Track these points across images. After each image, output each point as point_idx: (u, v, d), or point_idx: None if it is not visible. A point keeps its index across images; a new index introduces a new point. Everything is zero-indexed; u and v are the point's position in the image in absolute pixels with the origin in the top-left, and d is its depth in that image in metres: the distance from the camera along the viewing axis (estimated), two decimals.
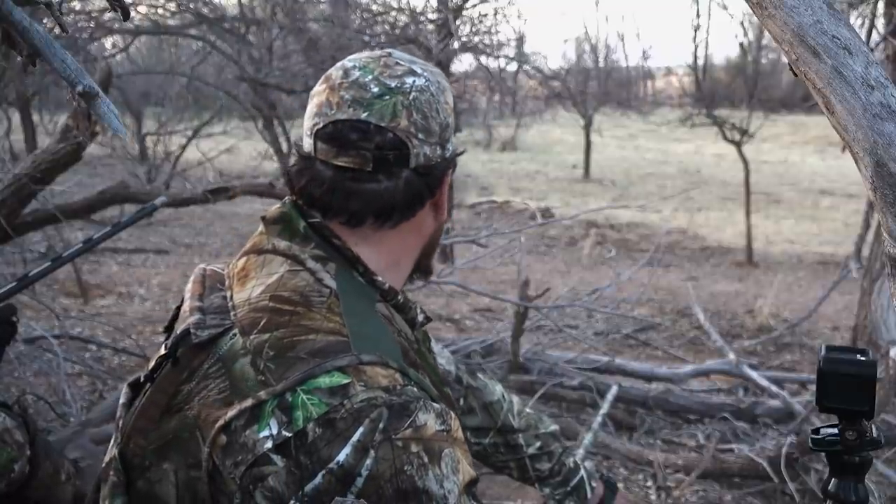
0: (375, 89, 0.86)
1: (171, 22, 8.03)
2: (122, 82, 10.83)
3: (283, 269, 0.86)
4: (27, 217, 3.16)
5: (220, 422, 0.75)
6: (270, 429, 0.73)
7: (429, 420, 0.74)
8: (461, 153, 0.96)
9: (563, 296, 4.84)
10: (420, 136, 0.87)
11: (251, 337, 0.79)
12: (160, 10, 7.57)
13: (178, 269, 6.90)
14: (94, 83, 0.89)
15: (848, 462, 0.82)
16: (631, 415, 3.66)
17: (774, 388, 3.62)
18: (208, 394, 0.78)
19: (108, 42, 8.32)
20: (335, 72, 0.89)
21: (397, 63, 0.89)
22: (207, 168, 9.65)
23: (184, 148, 10.33)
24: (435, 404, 0.77)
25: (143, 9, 7.04)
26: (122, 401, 0.87)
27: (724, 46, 39.06)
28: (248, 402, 0.75)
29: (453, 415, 0.79)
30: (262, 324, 0.80)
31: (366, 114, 0.85)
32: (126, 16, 0.93)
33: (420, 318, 0.94)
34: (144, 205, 1.50)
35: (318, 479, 0.71)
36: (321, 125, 0.86)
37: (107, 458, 0.85)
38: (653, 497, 3.01)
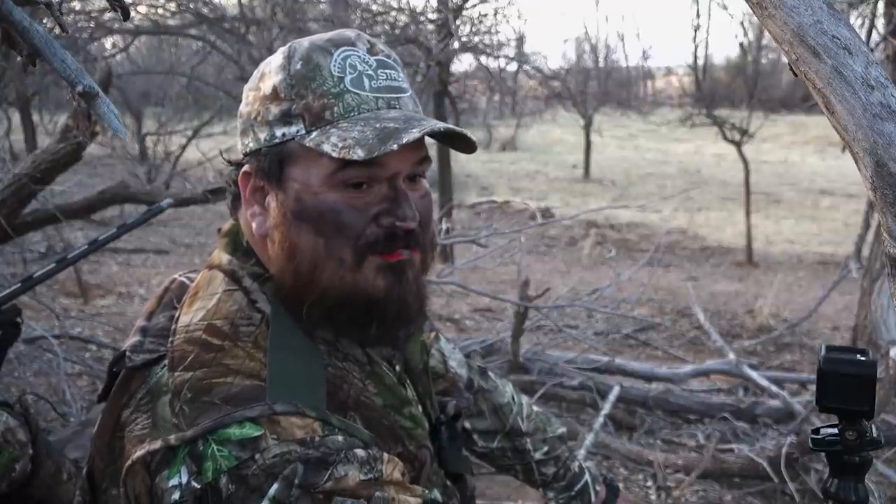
0: None
1: (171, 22, 8.02)
2: (122, 82, 10.84)
3: (221, 289, 0.83)
4: (27, 217, 3.16)
5: (129, 461, 0.74)
6: (180, 477, 0.71)
7: (350, 471, 0.71)
8: (287, 156, 0.79)
9: (563, 296, 4.83)
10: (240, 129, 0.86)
11: (176, 374, 0.77)
12: (160, 10, 7.57)
13: (178, 269, 6.86)
14: (94, 83, 0.89)
15: (848, 462, 0.82)
16: (631, 415, 3.66)
17: (774, 388, 3.62)
18: (135, 427, 0.77)
19: (108, 42, 8.32)
20: None
21: None
22: (207, 168, 9.63)
23: (184, 148, 10.33)
24: (360, 452, 0.73)
25: (143, 9, 7.04)
26: (99, 419, 0.86)
27: (724, 46, 39.12)
28: (157, 445, 0.73)
29: (386, 457, 0.76)
30: (189, 360, 0.77)
31: None
32: (126, 16, 0.93)
33: None
34: (151, 206, 1.48)
35: None
36: None
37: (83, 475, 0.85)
38: (653, 497, 3.01)
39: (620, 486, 1.26)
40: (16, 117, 9.92)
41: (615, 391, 3.52)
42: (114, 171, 10.09)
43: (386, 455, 0.76)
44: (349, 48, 0.80)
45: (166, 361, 0.79)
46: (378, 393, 0.85)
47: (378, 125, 0.76)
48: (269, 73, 0.81)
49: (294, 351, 0.79)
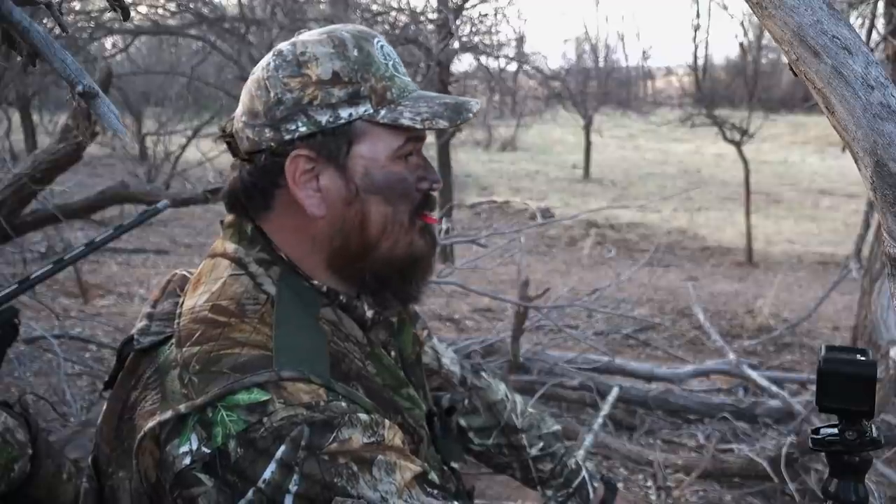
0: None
1: (171, 22, 8.03)
2: (122, 82, 10.83)
3: (227, 273, 0.85)
4: (27, 217, 3.16)
5: (141, 433, 0.76)
6: (190, 444, 0.73)
7: (354, 434, 0.74)
8: (354, 134, 0.84)
9: (563, 296, 4.83)
10: (243, 119, 0.86)
11: (184, 349, 0.79)
12: (160, 10, 7.57)
13: (177, 269, 6.89)
14: (94, 83, 0.89)
15: (848, 462, 0.82)
16: (631, 415, 3.66)
17: (774, 388, 3.62)
18: (145, 404, 0.79)
19: (108, 42, 8.32)
20: None
21: (285, 43, 0.88)
22: (207, 168, 9.65)
23: (184, 148, 10.33)
24: (363, 416, 0.76)
25: (143, 9, 7.05)
26: (104, 407, 0.88)
27: (724, 46, 38.99)
28: (168, 415, 0.74)
29: (388, 424, 0.78)
30: (196, 336, 0.79)
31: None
32: (126, 16, 0.94)
33: (369, 314, 0.91)
34: (147, 207, 1.48)
35: (249, 495, 0.71)
36: None
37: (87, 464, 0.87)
38: (653, 497, 3.01)
39: (620, 485, 1.26)
40: (16, 117, 9.93)
41: (614, 392, 3.52)
42: (114, 171, 10.09)
43: (387, 422, 0.79)
44: (379, 38, 0.88)
45: (174, 340, 0.81)
46: (377, 373, 0.88)
47: (438, 101, 0.86)
48: (318, 59, 0.84)
49: (298, 327, 0.82)
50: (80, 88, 0.88)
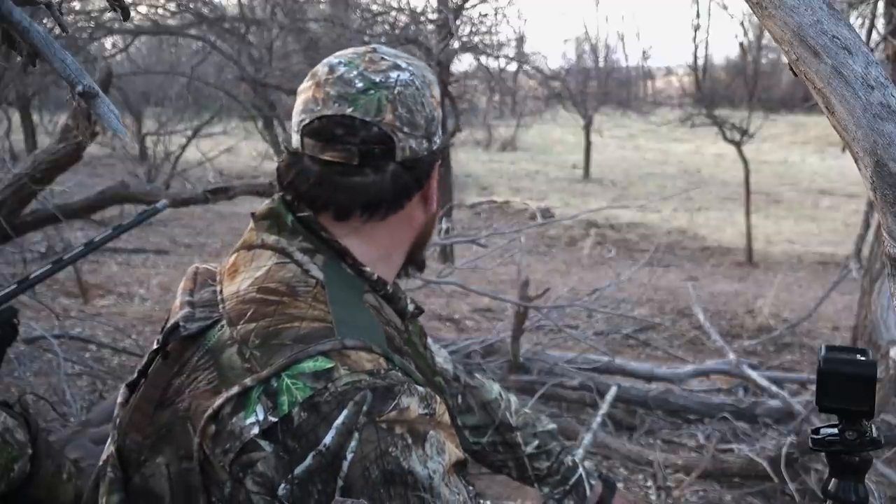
0: (360, 84, 0.87)
1: (171, 22, 8.03)
2: (122, 82, 10.83)
3: (271, 262, 0.88)
4: (27, 217, 3.16)
5: (209, 411, 0.77)
6: (257, 415, 0.74)
7: (412, 403, 0.75)
8: (449, 146, 1.00)
9: (563, 296, 4.83)
10: (405, 129, 0.89)
11: (238, 327, 0.81)
12: (160, 10, 7.58)
13: (178, 269, 6.89)
14: (94, 83, 0.89)
15: (848, 462, 0.82)
16: (631, 415, 3.66)
17: (774, 388, 3.62)
18: (198, 385, 0.80)
19: (108, 42, 8.33)
20: (321, 68, 0.90)
21: (382, 58, 0.90)
22: (207, 168, 9.67)
23: (184, 148, 10.34)
24: (419, 388, 0.78)
25: (143, 9, 7.06)
26: (119, 400, 0.89)
27: (724, 46, 38.94)
28: (235, 390, 0.76)
29: (439, 399, 0.80)
30: (248, 314, 0.82)
31: (351, 109, 0.86)
32: (126, 16, 0.94)
33: (410, 307, 0.95)
34: (147, 208, 1.48)
35: (309, 460, 0.72)
36: (307, 121, 0.88)
37: (104, 455, 0.87)
38: (653, 497, 3.01)
39: (620, 485, 1.27)
40: (16, 117, 9.93)
41: (613, 391, 3.51)
42: (114, 171, 10.09)
43: (438, 397, 0.80)
44: None
45: (223, 322, 0.83)
46: (414, 359, 0.90)
47: None
48: (433, 83, 0.96)
49: (352, 305, 0.86)
50: (80, 88, 0.88)
